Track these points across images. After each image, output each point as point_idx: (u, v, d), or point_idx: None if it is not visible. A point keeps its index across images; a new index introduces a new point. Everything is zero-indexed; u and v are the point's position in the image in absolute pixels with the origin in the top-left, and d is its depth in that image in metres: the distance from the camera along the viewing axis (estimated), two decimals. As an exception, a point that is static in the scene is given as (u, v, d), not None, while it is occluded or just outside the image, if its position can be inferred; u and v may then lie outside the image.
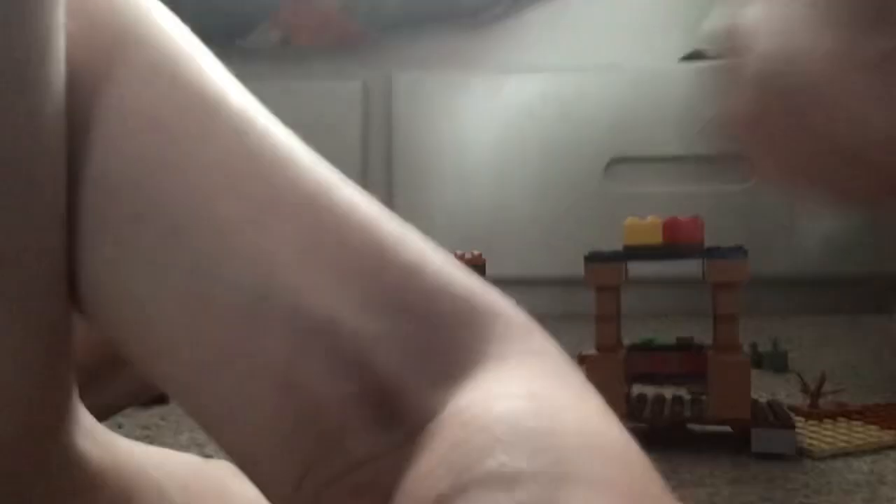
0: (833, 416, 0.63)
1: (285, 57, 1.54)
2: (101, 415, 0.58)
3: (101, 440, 0.23)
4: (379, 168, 1.50)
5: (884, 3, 0.21)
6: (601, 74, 1.49)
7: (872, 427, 0.60)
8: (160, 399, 0.64)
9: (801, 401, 0.67)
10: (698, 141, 1.45)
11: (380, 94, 1.52)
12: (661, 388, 0.69)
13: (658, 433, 0.58)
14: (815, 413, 0.64)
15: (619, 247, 0.58)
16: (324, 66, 1.57)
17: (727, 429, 0.58)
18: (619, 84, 1.48)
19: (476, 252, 0.67)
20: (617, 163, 1.47)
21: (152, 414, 0.65)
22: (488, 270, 0.67)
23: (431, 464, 0.15)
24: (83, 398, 0.22)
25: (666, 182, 1.45)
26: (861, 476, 0.51)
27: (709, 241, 0.57)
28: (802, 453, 0.55)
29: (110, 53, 0.19)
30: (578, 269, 0.58)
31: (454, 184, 1.49)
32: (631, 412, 0.59)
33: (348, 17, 1.53)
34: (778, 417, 0.56)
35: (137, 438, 0.65)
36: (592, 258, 0.58)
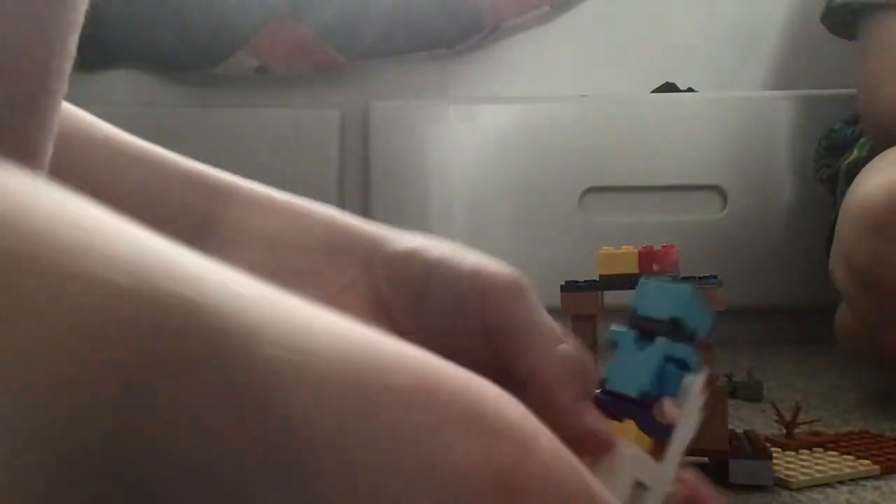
0: (809, 446, 0.63)
1: (262, 84, 1.54)
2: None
3: None
4: (355, 196, 1.50)
5: None
6: (575, 104, 1.50)
7: (849, 457, 0.60)
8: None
9: (776, 431, 0.67)
10: (672, 171, 1.47)
11: (357, 122, 1.53)
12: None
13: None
14: (791, 443, 0.64)
15: (595, 276, 0.58)
16: (301, 94, 1.57)
17: (704, 460, 0.58)
18: (593, 114, 1.49)
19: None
20: (592, 192, 1.48)
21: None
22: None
23: None
24: None
25: (641, 212, 1.46)
26: (838, 507, 0.50)
27: (684, 271, 0.57)
28: (780, 484, 0.55)
29: None
30: (555, 298, 0.58)
31: (430, 212, 1.49)
32: (608, 443, 0.59)
33: (326, 46, 1.54)
34: (755, 448, 0.56)
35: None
36: (568, 287, 0.58)
